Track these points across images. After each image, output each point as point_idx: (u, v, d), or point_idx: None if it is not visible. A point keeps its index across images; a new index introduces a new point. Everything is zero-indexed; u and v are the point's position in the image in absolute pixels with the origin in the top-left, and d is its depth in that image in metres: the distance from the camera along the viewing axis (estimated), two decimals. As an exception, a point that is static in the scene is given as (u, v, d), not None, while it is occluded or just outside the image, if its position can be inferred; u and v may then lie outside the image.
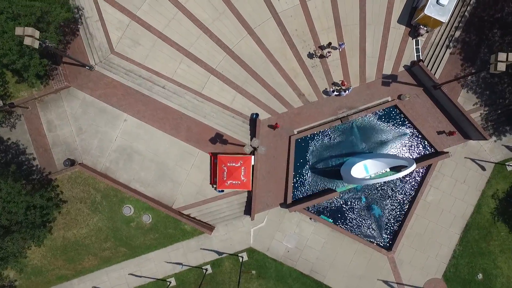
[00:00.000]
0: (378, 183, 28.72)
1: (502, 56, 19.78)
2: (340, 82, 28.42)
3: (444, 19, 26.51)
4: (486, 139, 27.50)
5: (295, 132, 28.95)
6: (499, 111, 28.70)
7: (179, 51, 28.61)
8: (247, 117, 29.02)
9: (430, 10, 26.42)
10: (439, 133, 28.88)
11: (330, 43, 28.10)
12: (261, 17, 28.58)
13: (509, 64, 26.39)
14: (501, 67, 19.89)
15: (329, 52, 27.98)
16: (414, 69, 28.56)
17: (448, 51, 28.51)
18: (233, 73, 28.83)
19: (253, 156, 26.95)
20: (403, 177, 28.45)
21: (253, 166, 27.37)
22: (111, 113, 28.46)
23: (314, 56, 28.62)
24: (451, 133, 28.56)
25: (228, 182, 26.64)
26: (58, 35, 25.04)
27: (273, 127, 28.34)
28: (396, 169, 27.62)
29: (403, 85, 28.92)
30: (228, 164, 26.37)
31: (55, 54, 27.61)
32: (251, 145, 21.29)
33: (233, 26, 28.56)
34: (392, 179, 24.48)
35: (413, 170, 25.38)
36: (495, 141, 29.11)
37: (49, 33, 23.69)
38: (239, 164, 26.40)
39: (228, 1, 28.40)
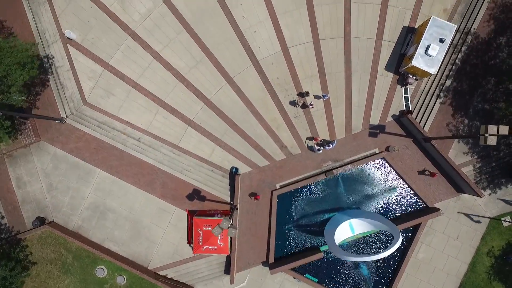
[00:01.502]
0: (362, 249, 27.32)
1: (492, 129, 18.13)
2: (313, 138, 27.01)
3: (433, 70, 24.90)
4: (479, 196, 25.88)
5: (277, 187, 27.37)
6: (493, 164, 27.00)
7: (155, 102, 27.15)
8: (226, 171, 27.48)
9: (418, 61, 24.84)
10: (419, 172, 27.16)
11: (307, 92, 26.63)
12: (240, 65, 27.07)
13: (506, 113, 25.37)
14: (492, 141, 18.25)
15: (311, 104, 26.43)
16: (402, 119, 26.98)
17: (439, 100, 26.87)
18: (212, 124, 27.33)
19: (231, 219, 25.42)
20: (391, 234, 26.79)
21: (231, 228, 25.87)
22: (83, 168, 26.99)
23: (296, 105, 27.06)
24: (432, 174, 26.85)
25: (204, 247, 25.07)
26: (23, 94, 23.67)
27: (254, 197, 26.83)
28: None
29: (392, 136, 27.32)
30: (204, 228, 24.82)
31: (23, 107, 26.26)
32: (220, 226, 19.77)
33: (211, 74, 27.07)
34: (375, 258, 22.85)
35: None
36: (489, 194, 27.39)
37: (11, 94, 22.33)
38: (215, 228, 24.87)
39: (206, 48, 26.93)
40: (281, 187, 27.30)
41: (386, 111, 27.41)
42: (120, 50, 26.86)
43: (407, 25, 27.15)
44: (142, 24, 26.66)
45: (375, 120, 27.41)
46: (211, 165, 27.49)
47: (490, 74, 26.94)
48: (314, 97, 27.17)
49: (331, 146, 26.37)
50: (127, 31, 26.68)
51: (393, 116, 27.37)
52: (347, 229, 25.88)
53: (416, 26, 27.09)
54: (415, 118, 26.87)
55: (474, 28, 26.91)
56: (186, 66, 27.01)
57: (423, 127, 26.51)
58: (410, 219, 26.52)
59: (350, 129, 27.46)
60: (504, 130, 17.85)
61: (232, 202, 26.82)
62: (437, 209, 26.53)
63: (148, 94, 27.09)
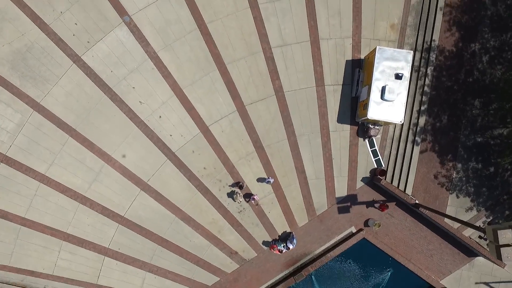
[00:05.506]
0: None
1: (505, 235, 11.54)
2: (269, 246, 20.68)
3: (398, 119, 18.53)
4: (501, 266, 19.36)
5: (238, 307, 20.92)
6: (507, 212, 20.51)
7: (55, 236, 20.59)
8: (167, 302, 21.04)
9: (375, 112, 18.48)
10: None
11: (240, 185, 20.39)
12: (153, 164, 20.67)
13: None
14: (509, 257, 11.66)
15: (253, 198, 20.07)
16: (376, 181, 20.57)
17: (416, 147, 20.51)
18: (135, 247, 20.83)
19: None
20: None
21: None
22: None
23: (237, 197, 20.61)
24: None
25: None
26: None
27: None
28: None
29: (368, 207, 20.87)
30: None
31: None
32: None
33: (119, 184, 20.63)
34: None
35: None
36: (512, 249, 20.92)
37: None
38: None
39: (104, 153, 20.50)
40: (242, 306, 20.81)
41: (353, 176, 20.98)
42: (-5, 182, 20.56)
43: (350, 59, 20.94)
44: (14, 143, 20.30)
45: (342, 191, 20.97)
46: (146, 300, 21.02)
47: (473, 95, 20.66)
48: (257, 181, 20.87)
49: (291, 246, 19.88)
50: (-3, 156, 20.43)
51: (363, 179, 20.95)
52: None
53: (362, 57, 20.87)
54: (392, 177, 20.45)
55: (435, 41, 20.67)
56: (84, 182, 20.56)
57: (405, 189, 20.06)
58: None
59: (313, 210, 21.00)
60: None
61: None
62: (449, 293, 19.96)
63: (44, 229, 20.57)
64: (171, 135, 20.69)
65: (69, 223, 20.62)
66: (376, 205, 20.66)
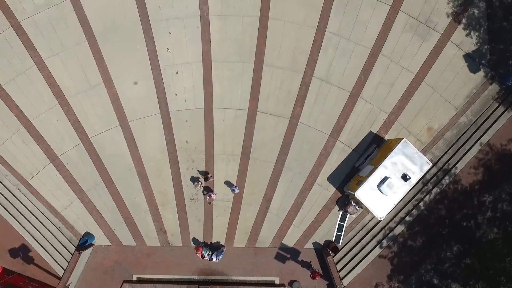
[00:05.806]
0: None
1: None
2: (195, 247, 20.13)
3: (380, 215, 17.83)
4: None
5: (134, 279, 20.29)
6: None
7: (18, 118, 19.88)
8: (78, 234, 20.43)
9: (363, 194, 17.74)
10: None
11: (207, 177, 19.82)
12: (145, 109, 19.98)
13: None
14: None
15: (210, 194, 19.48)
16: (325, 253, 19.93)
17: (378, 249, 19.76)
18: (82, 170, 20.21)
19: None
20: None
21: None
22: None
23: (198, 185, 19.92)
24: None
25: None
26: None
27: None
28: None
29: (303, 269, 20.23)
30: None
31: None
32: None
33: (103, 109, 19.96)
34: None
35: None
36: None
37: None
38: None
39: (107, 73, 19.72)
40: (139, 281, 20.26)
41: (308, 234, 20.34)
42: (-7, 41, 19.68)
43: (375, 132, 20.13)
44: (33, 17, 19.37)
45: (290, 240, 20.37)
46: (61, 221, 20.39)
47: (456, 239, 19.86)
48: (225, 183, 20.25)
49: (215, 259, 19.36)
50: (10, 19, 19.36)
51: (315, 243, 20.33)
52: None
53: (386, 138, 20.08)
54: (340, 260, 19.81)
55: (457, 169, 19.86)
56: (73, 88, 19.82)
57: (344, 277, 19.35)
58: None
59: (254, 240, 20.42)
60: None
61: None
62: None
63: (13, 107, 19.79)
64: (176, 95, 19.97)
65: (38, 115, 19.87)
66: (310, 270, 20.08)
